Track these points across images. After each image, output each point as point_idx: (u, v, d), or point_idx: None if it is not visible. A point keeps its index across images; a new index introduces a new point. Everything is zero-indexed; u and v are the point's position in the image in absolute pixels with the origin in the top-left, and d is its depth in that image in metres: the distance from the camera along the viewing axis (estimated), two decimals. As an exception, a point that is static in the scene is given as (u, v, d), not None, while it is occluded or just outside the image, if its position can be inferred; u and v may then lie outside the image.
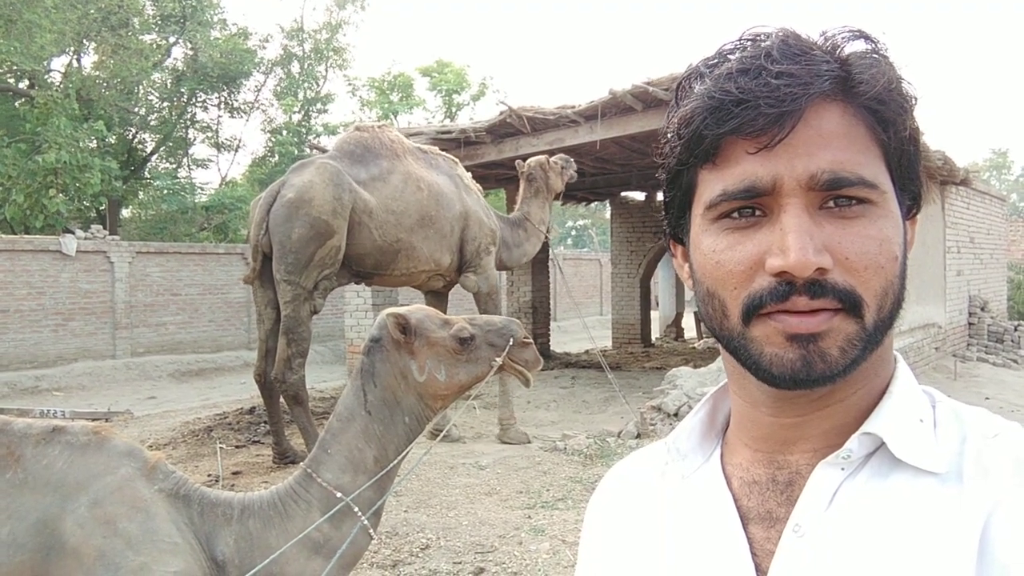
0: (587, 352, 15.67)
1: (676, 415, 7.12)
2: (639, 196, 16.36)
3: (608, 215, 21.31)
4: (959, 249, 12.90)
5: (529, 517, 4.88)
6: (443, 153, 7.68)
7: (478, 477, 5.91)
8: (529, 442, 7.10)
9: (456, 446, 7.00)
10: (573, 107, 9.09)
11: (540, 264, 14.41)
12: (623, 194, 16.31)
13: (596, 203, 19.72)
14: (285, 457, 6.54)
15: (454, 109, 25.60)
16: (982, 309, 13.85)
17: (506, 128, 9.76)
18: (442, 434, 3.87)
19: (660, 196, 0.82)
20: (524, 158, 9.92)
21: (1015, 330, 13.97)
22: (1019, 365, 12.80)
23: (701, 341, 17.16)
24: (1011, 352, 13.43)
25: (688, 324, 19.45)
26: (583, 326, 11.12)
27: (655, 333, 18.07)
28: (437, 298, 7.82)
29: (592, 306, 26.54)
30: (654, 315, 18.30)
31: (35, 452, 2.00)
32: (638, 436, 6.91)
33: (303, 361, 6.16)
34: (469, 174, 7.74)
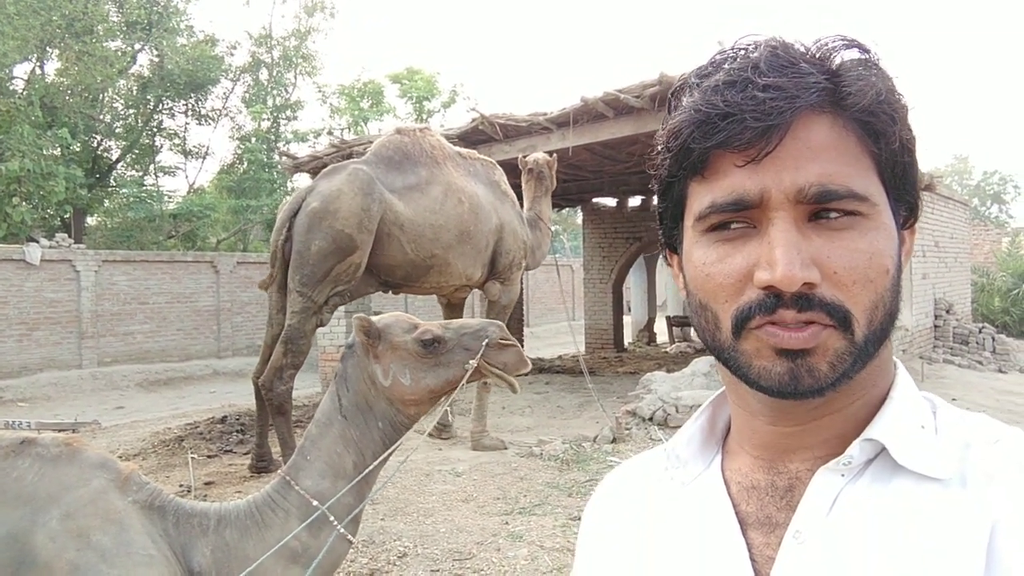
0: (560, 357, 15.70)
1: (651, 419, 7.15)
2: (611, 202, 16.44)
3: (580, 221, 21.39)
4: (924, 253, 13.13)
5: (506, 523, 4.86)
6: (482, 157, 7.46)
7: (455, 484, 5.88)
8: (505, 448, 7.06)
9: (432, 452, 6.96)
10: (545, 114, 9.12)
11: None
12: (595, 200, 16.39)
13: (568, 209, 19.79)
14: (262, 460, 6.43)
15: (425, 116, 25.51)
16: (947, 312, 14.10)
17: (478, 135, 9.76)
18: (429, 428, 3.77)
19: (653, 203, 0.82)
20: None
21: (980, 332, 14.23)
22: (984, 367, 13.04)
23: (673, 346, 17.26)
24: (976, 354, 13.67)
25: (660, 329, 19.56)
26: (570, 331, 11.15)
27: (627, 338, 18.15)
28: (452, 307, 7.70)
29: (564, 311, 26.59)
30: (626, 320, 18.38)
31: (4, 464, 1.96)
32: (614, 441, 6.92)
33: (295, 373, 5.99)
34: (506, 176, 7.52)
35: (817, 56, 0.67)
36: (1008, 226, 35.46)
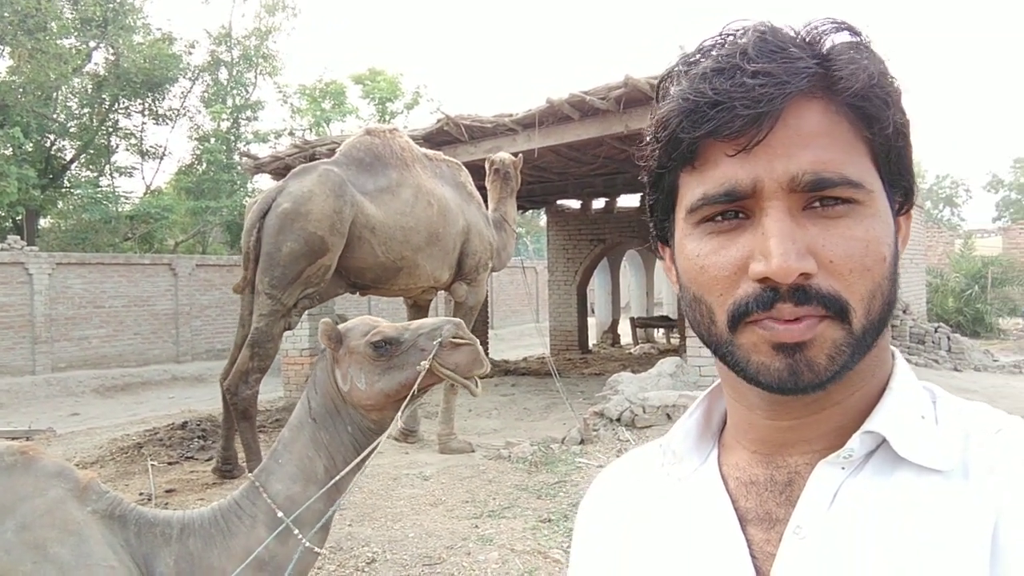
0: (525, 359, 15.71)
1: (619, 420, 7.16)
2: (575, 204, 16.50)
3: (543, 223, 21.44)
4: (882, 254, 13.38)
5: (476, 527, 4.82)
6: (448, 158, 7.45)
7: (422, 488, 5.82)
8: (473, 451, 7.03)
9: (399, 456, 6.89)
10: (511, 116, 9.10)
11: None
12: (559, 202, 16.43)
13: (532, 211, 19.82)
14: (227, 464, 6.30)
15: (388, 117, 25.39)
16: (904, 312, 14.39)
17: (443, 136, 9.71)
18: (384, 435, 3.71)
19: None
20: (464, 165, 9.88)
21: (935, 332, 14.54)
22: (940, 365, 13.33)
23: (637, 347, 17.37)
24: (932, 352, 13.96)
25: (624, 330, 19.68)
26: (536, 332, 11.19)
27: (592, 339, 18.22)
28: (418, 309, 7.68)
29: (528, 313, 26.66)
30: (591, 322, 18.46)
31: (-43, 475, 1.88)
32: (582, 442, 6.92)
33: (260, 377, 5.87)
34: (471, 178, 7.51)
35: (807, 40, 0.65)
36: (960, 228, 36.38)
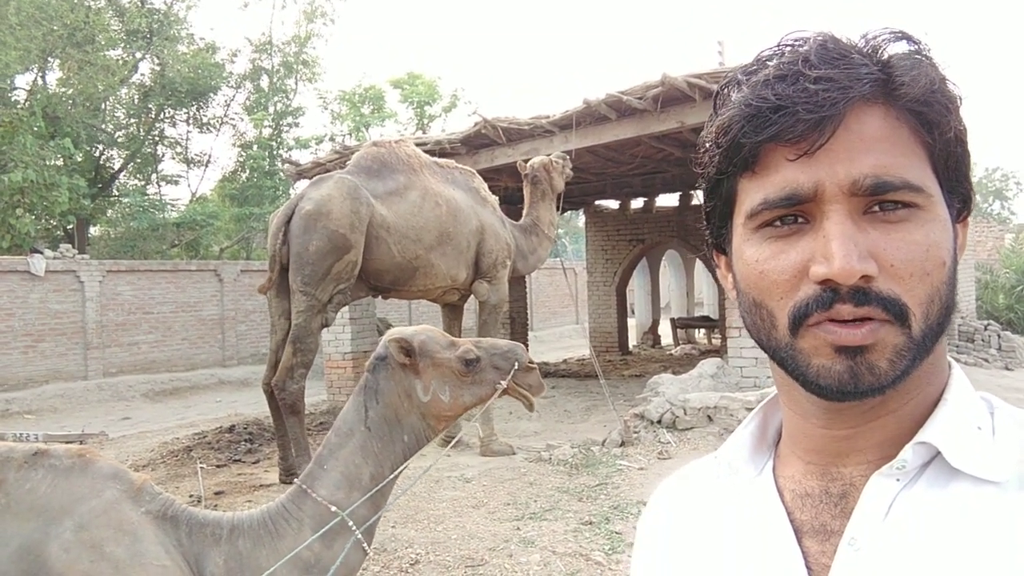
0: (565, 361, 15.68)
1: (659, 422, 7.13)
2: (613, 204, 16.43)
3: (582, 224, 21.37)
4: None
5: (518, 529, 4.84)
6: (460, 166, 7.70)
7: (464, 490, 5.87)
8: (513, 453, 7.06)
9: (441, 459, 6.94)
10: (547, 117, 9.12)
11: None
12: (597, 202, 16.37)
13: (570, 211, 19.77)
14: (291, 474, 6.38)
15: (426, 121, 25.56)
16: (953, 309, 14.05)
17: (481, 139, 9.76)
18: (453, 442, 3.99)
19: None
20: (500, 169, 9.91)
21: (985, 329, 14.19)
22: (990, 364, 13.00)
23: (678, 347, 17.23)
24: (982, 351, 13.63)
25: (664, 331, 19.53)
26: (576, 333, 11.17)
27: (632, 340, 18.11)
28: (453, 311, 7.85)
29: (567, 315, 26.60)
30: (630, 322, 18.35)
31: (18, 476, 1.95)
32: (622, 444, 6.89)
33: (306, 372, 6.17)
34: (486, 184, 7.73)
35: (866, 49, 0.66)
36: (1011, 222, 35.45)
